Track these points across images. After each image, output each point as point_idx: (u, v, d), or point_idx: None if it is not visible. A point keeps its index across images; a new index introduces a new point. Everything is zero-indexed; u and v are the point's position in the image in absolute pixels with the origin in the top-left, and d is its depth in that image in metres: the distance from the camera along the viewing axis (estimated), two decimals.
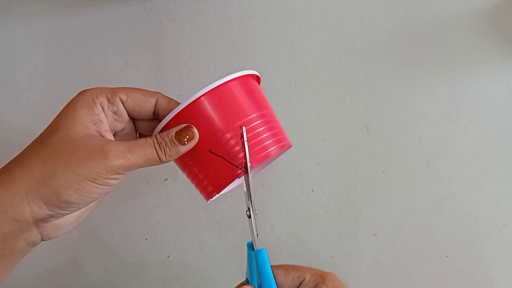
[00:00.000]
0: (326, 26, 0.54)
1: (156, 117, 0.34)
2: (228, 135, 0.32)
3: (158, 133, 0.32)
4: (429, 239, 0.50)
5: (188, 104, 0.32)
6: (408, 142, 0.51)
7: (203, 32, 0.56)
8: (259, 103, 0.34)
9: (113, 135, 0.34)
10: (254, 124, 0.33)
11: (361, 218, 0.52)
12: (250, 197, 0.35)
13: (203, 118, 0.32)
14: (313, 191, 0.53)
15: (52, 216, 0.29)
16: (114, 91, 0.32)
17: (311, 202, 0.53)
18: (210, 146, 0.32)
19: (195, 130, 0.32)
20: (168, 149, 0.31)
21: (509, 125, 0.49)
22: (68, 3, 0.59)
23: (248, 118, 0.33)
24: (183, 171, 0.36)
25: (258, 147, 0.33)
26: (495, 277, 0.49)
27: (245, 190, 0.35)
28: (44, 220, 0.29)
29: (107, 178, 0.29)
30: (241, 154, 0.32)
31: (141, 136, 0.37)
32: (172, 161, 0.37)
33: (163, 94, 0.34)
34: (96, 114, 0.31)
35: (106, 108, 0.32)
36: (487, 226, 0.49)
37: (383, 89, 0.52)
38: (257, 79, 0.37)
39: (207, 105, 0.32)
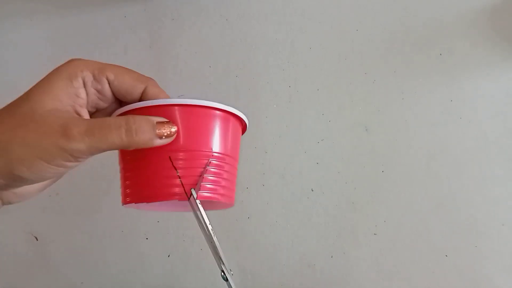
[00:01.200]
0: (326, 26, 0.54)
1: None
2: (181, 156, 0.29)
3: (136, 114, 0.29)
4: (428, 239, 0.50)
5: (180, 105, 0.30)
6: (408, 142, 0.51)
7: (203, 32, 0.56)
8: (236, 150, 0.33)
9: (95, 112, 0.32)
10: (221, 163, 0.31)
11: (360, 218, 0.52)
12: (221, 259, 0.32)
13: (182, 125, 0.30)
14: (313, 191, 0.53)
15: (8, 186, 0.28)
16: (103, 68, 0.30)
17: (311, 202, 0.53)
18: (157, 160, 0.29)
19: (175, 129, 0.29)
20: (144, 135, 0.28)
21: (509, 125, 0.49)
22: (69, 3, 0.59)
23: (223, 153, 0.31)
24: (119, 163, 0.34)
25: (213, 186, 0.30)
26: (495, 277, 0.49)
27: (213, 250, 0.32)
28: (1, 188, 0.28)
29: (62, 160, 0.27)
30: (181, 184, 0.29)
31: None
32: None
33: (154, 82, 0.32)
34: (74, 87, 0.29)
35: (89, 84, 0.29)
36: (486, 226, 0.49)
37: (382, 89, 0.52)
38: (245, 127, 0.35)
39: (195, 116, 0.30)
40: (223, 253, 0.32)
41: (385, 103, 0.52)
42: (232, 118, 0.33)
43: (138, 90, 0.31)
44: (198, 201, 0.30)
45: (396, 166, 0.51)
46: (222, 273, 0.32)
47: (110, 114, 0.32)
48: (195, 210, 0.31)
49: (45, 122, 0.26)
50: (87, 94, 0.30)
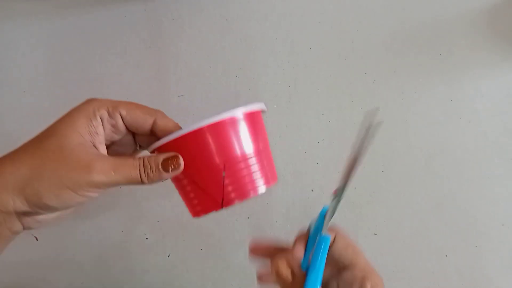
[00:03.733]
0: (326, 26, 0.54)
1: (153, 134, 0.36)
2: (223, 166, 0.33)
3: (148, 155, 0.33)
4: (428, 239, 0.50)
5: (188, 133, 0.33)
6: (408, 142, 0.51)
7: (203, 32, 0.56)
8: (257, 140, 0.35)
9: (111, 144, 0.36)
10: (248, 160, 0.34)
11: (360, 218, 0.52)
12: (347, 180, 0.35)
13: (200, 146, 0.33)
14: (313, 191, 0.53)
15: (33, 213, 0.31)
16: (116, 105, 0.33)
17: (311, 202, 0.53)
18: (206, 174, 0.33)
19: (181, 161, 0.33)
20: (152, 173, 0.33)
21: (508, 125, 0.49)
22: (69, 4, 0.59)
23: (243, 154, 0.34)
24: (174, 185, 0.37)
25: (248, 184, 0.34)
26: (494, 277, 0.49)
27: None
28: (25, 214, 0.31)
29: (87, 191, 0.31)
30: (234, 189, 0.33)
31: (140, 147, 0.38)
32: None
33: (162, 114, 0.36)
34: (94, 126, 0.32)
35: (105, 121, 0.33)
36: (486, 226, 0.49)
37: (383, 89, 0.52)
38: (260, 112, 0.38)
39: (207, 136, 0.33)
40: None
41: (385, 103, 0.52)
42: (248, 115, 0.35)
43: (148, 122, 0.35)
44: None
45: (396, 166, 0.51)
46: (337, 195, 0.36)
47: (123, 146, 0.37)
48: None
49: (74, 158, 0.30)
50: (104, 129, 0.34)
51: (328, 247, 0.35)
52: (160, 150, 0.35)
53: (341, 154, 0.53)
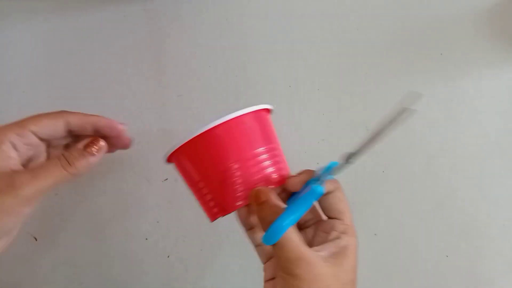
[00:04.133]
0: (326, 26, 0.54)
1: (70, 134, 0.36)
2: (235, 166, 0.33)
3: (66, 149, 0.34)
4: (429, 239, 0.50)
5: (200, 134, 0.33)
6: (408, 142, 0.51)
7: (203, 32, 0.56)
8: (268, 137, 0.37)
9: (27, 162, 0.35)
10: (260, 157, 0.35)
11: (360, 218, 0.52)
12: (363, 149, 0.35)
13: (213, 146, 0.33)
14: None
15: None
16: (22, 126, 0.34)
17: None
18: (219, 172, 0.34)
19: (103, 142, 0.34)
20: (78, 161, 0.33)
21: (509, 125, 0.49)
22: (68, 3, 0.59)
23: (256, 151, 0.35)
24: (190, 188, 0.37)
25: (262, 180, 0.34)
26: (495, 277, 0.49)
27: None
28: None
29: (19, 208, 0.31)
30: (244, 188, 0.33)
31: (51, 154, 0.38)
32: (176, 169, 0.38)
33: (68, 112, 0.35)
34: (4, 151, 0.32)
35: (18, 144, 0.33)
36: (487, 226, 0.49)
37: (383, 89, 0.52)
38: (269, 111, 0.39)
39: (219, 135, 0.34)
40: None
41: (385, 103, 0.52)
42: (259, 114, 0.36)
43: (59, 126, 0.35)
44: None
45: (396, 166, 0.51)
46: (349, 157, 0.35)
47: (38, 159, 0.37)
48: None
49: None
50: (18, 152, 0.33)
51: (320, 196, 0.34)
52: (172, 157, 0.36)
53: (341, 154, 0.53)
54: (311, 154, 0.53)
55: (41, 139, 0.35)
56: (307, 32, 0.54)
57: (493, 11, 0.50)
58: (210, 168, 0.34)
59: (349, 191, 0.52)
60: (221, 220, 0.55)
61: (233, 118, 0.34)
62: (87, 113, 0.36)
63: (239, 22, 0.56)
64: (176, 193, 0.56)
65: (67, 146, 0.38)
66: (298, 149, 0.53)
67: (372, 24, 0.53)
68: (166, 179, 0.56)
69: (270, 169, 0.35)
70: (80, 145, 0.34)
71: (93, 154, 0.33)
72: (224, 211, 0.35)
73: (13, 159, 0.33)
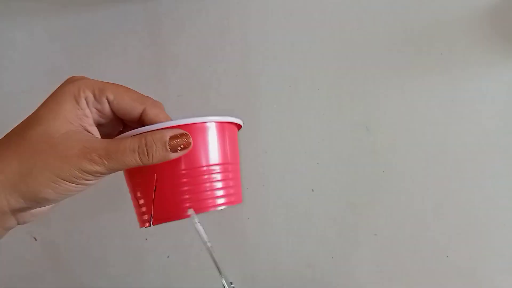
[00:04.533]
0: (326, 26, 0.54)
1: (141, 122, 0.33)
2: (184, 174, 0.31)
3: (149, 132, 0.30)
4: (429, 239, 0.50)
5: (183, 125, 0.30)
6: (408, 142, 0.51)
7: (203, 32, 0.56)
8: (236, 153, 0.34)
9: (98, 126, 0.33)
10: (214, 173, 0.32)
11: (361, 218, 0.52)
12: (220, 272, 0.34)
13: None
14: (313, 191, 0.53)
15: (29, 208, 0.30)
16: (102, 88, 0.31)
17: (311, 202, 0.53)
18: (170, 177, 0.31)
19: (191, 139, 0.30)
20: (157, 153, 0.30)
21: (509, 125, 0.49)
22: (68, 3, 0.59)
23: (223, 162, 0.32)
24: (127, 185, 0.35)
25: (209, 197, 0.32)
26: (495, 277, 0.49)
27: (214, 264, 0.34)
28: (21, 210, 0.30)
29: (85, 180, 0.29)
30: (191, 200, 0.31)
31: (126, 128, 0.35)
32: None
33: (153, 102, 0.33)
34: (81, 109, 0.30)
35: (91, 104, 0.31)
36: (487, 226, 0.49)
37: (383, 89, 0.52)
38: (239, 126, 0.36)
39: (199, 135, 0.31)
40: (223, 266, 0.34)
41: (385, 103, 0.52)
42: (225, 125, 0.33)
43: (137, 110, 0.32)
44: (196, 220, 0.33)
45: (396, 166, 0.51)
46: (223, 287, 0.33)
47: (111, 129, 0.34)
48: (196, 227, 0.33)
49: (64, 146, 0.28)
50: (90, 112, 0.31)
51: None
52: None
53: (341, 154, 0.53)
54: (311, 154, 0.53)
55: (113, 113, 0.32)
56: (307, 32, 0.54)
57: (493, 11, 0.50)
58: (161, 172, 0.31)
59: (349, 191, 0.53)
60: (221, 220, 0.55)
61: (197, 123, 0.31)
62: (164, 112, 0.33)
63: (239, 22, 0.56)
64: None
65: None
66: (298, 149, 0.53)
67: (372, 24, 0.53)
68: None
69: (219, 192, 0.32)
70: (166, 136, 0.29)
71: (176, 151, 0.30)
72: (155, 221, 0.33)
73: (89, 118, 0.31)
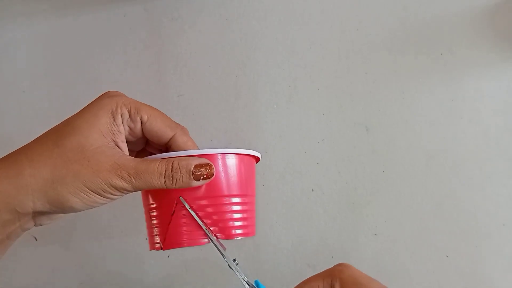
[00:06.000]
0: (326, 26, 0.54)
1: (167, 148, 0.34)
2: (205, 202, 0.32)
3: (176, 158, 0.31)
4: (429, 239, 0.50)
5: (208, 154, 0.32)
6: (408, 142, 0.51)
7: (203, 32, 0.56)
8: (251, 185, 0.35)
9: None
10: (233, 203, 0.33)
11: (361, 218, 0.52)
12: (222, 254, 0.35)
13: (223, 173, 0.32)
14: (313, 191, 0.53)
15: (51, 213, 0.31)
16: (139, 108, 0.32)
17: (311, 202, 0.53)
18: (191, 204, 0.32)
19: (214, 171, 0.32)
20: (181, 180, 0.31)
21: (509, 125, 0.49)
22: (68, 3, 0.59)
23: (242, 194, 0.34)
24: (144, 205, 0.36)
25: (227, 226, 0.33)
26: (495, 277, 0.49)
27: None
28: (43, 213, 0.31)
29: (112, 194, 0.30)
30: (211, 228, 0.32)
31: (148, 146, 0.37)
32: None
33: (183, 130, 0.34)
34: (116, 125, 0.31)
35: (125, 121, 0.32)
36: (487, 226, 0.49)
37: (383, 89, 0.52)
38: (257, 159, 0.37)
39: (221, 166, 0.32)
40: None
41: (385, 103, 0.52)
42: (245, 158, 0.34)
43: (166, 136, 0.33)
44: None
45: (396, 166, 0.51)
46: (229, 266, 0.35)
47: (134, 147, 0.36)
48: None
49: (96, 161, 0.29)
50: (124, 129, 0.32)
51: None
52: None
53: (341, 154, 0.53)
54: (311, 154, 0.53)
55: (143, 134, 0.33)
56: (307, 31, 0.54)
57: (493, 11, 0.50)
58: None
59: (349, 191, 0.53)
60: None
61: (221, 154, 0.32)
62: (192, 140, 0.34)
63: (239, 22, 0.56)
64: None
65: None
66: (298, 149, 0.53)
67: (372, 24, 0.53)
68: None
69: (237, 223, 0.34)
70: (192, 164, 0.31)
71: (198, 180, 0.31)
72: (167, 246, 0.33)
73: (121, 135, 0.32)
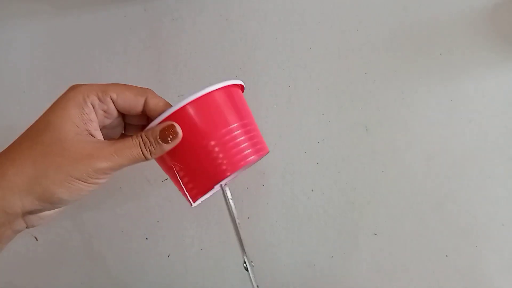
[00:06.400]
0: (326, 26, 0.54)
1: (144, 113, 0.35)
2: (212, 143, 0.34)
3: (144, 132, 0.33)
4: (428, 239, 0.50)
5: (175, 111, 0.33)
6: (408, 142, 0.51)
7: (203, 32, 0.56)
8: (241, 113, 0.36)
9: (102, 128, 0.35)
10: (235, 133, 0.35)
11: (360, 218, 0.52)
12: (244, 250, 0.37)
13: (189, 124, 0.33)
14: (313, 191, 0.53)
15: (41, 210, 0.31)
16: (105, 90, 0.33)
17: (311, 202, 0.53)
18: (195, 152, 0.34)
19: (178, 128, 0.33)
20: (153, 147, 0.33)
21: (509, 125, 0.49)
22: (68, 3, 0.59)
23: (230, 127, 0.34)
24: (167, 174, 0.37)
25: (239, 156, 0.34)
26: (495, 277, 0.49)
27: (238, 241, 0.37)
28: (32, 212, 0.31)
29: (96, 178, 0.31)
30: (225, 161, 0.34)
31: (128, 127, 0.38)
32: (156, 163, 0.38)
33: (152, 92, 0.35)
34: (86, 114, 0.32)
35: (96, 107, 0.33)
36: (486, 226, 0.49)
37: (382, 89, 0.52)
38: (241, 87, 0.38)
39: (192, 113, 0.33)
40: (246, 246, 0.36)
41: (385, 103, 0.52)
42: (229, 89, 0.36)
43: (140, 102, 0.34)
44: (229, 196, 0.37)
45: (396, 166, 0.51)
46: (244, 264, 0.37)
47: (112, 128, 0.37)
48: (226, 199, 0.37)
49: (75, 149, 0.31)
50: (96, 115, 0.33)
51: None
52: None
53: (341, 154, 0.53)
54: (311, 154, 0.53)
55: (118, 111, 0.35)
56: (307, 32, 0.54)
57: (493, 11, 0.50)
58: (187, 145, 0.34)
59: (349, 191, 0.53)
60: (221, 220, 0.55)
61: (203, 95, 0.34)
62: (163, 100, 0.35)
63: (239, 22, 0.56)
64: (177, 193, 0.55)
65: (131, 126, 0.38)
66: (298, 149, 0.53)
67: (372, 24, 0.53)
68: (166, 179, 0.56)
69: (245, 144, 0.35)
70: (157, 131, 0.33)
71: (167, 142, 0.33)
72: (203, 191, 0.35)
73: (94, 122, 0.33)
